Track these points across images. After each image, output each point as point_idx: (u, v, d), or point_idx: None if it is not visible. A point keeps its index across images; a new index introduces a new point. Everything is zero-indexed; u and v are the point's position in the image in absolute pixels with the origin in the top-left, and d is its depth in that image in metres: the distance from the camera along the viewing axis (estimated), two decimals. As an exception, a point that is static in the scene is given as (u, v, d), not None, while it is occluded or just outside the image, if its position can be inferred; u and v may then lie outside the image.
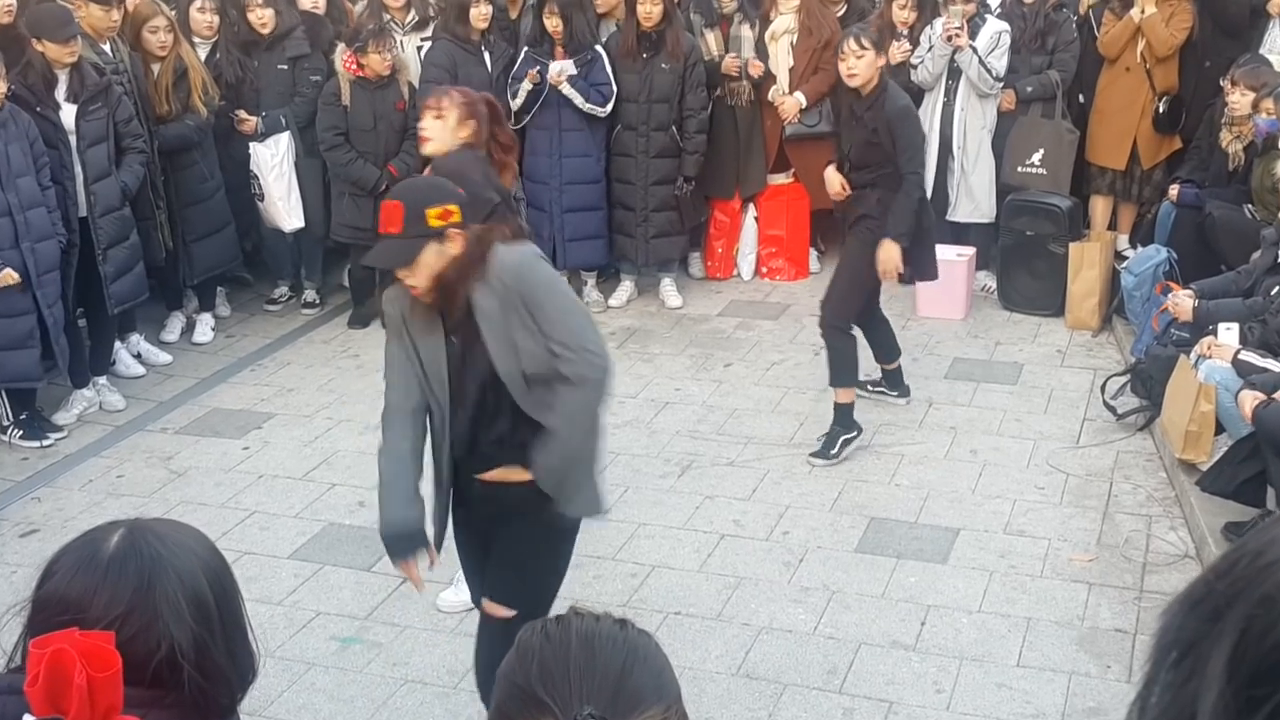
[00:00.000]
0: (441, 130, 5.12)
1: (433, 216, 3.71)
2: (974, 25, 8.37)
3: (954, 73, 8.44)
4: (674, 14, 8.35)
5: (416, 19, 8.69)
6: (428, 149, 5.20)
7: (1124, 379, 7.03)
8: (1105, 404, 6.92)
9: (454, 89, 5.39)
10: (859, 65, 6.25)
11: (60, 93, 7.04)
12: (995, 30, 8.37)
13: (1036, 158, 8.49)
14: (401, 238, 3.72)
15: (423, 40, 8.62)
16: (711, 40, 8.83)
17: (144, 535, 1.95)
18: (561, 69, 8.18)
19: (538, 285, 3.85)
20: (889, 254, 6.38)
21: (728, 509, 6.15)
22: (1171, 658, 1.13)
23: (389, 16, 8.59)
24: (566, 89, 8.24)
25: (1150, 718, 1.14)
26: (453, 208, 3.75)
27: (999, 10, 8.76)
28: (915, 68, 8.48)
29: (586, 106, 8.33)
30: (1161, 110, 8.49)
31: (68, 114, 7.02)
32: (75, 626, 1.77)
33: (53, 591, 1.92)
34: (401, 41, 8.50)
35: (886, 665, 4.93)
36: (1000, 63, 8.36)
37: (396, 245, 3.74)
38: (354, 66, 8.00)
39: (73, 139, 7.03)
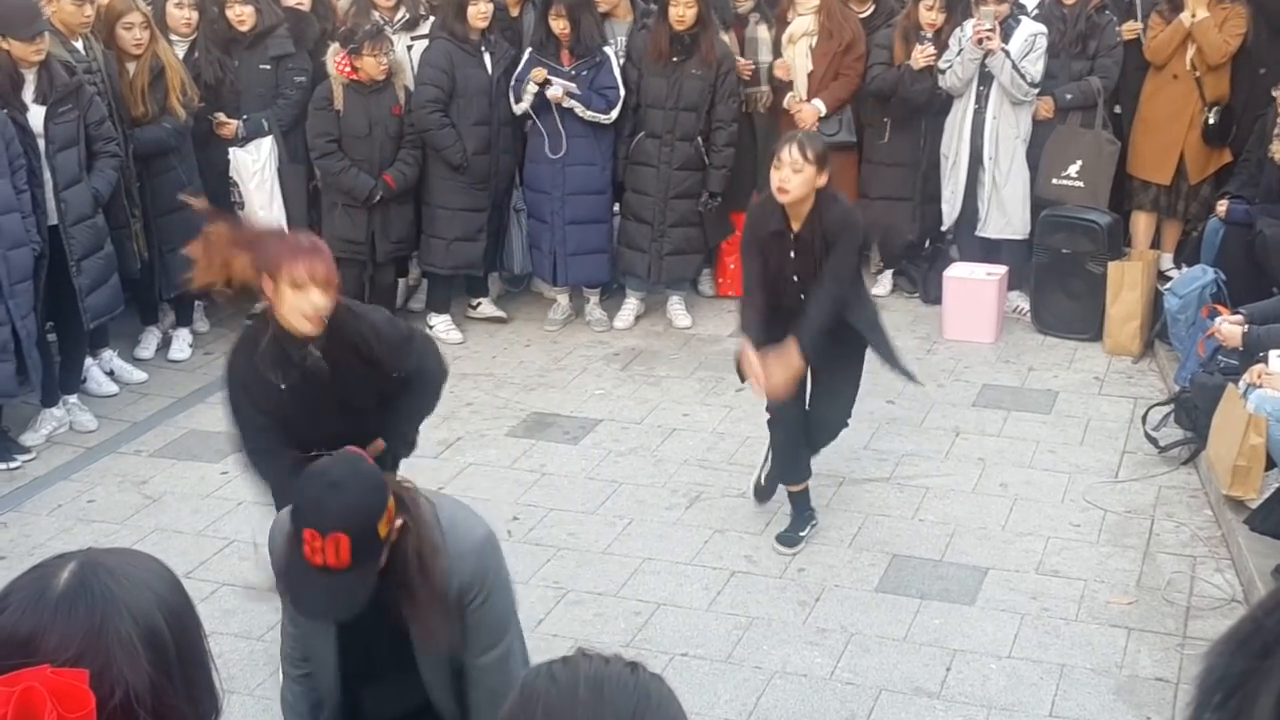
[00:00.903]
0: None
1: (381, 528, 3.14)
2: (1007, 27, 8.39)
3: (985, 78, 8.46)
4: (709, 18, 8.36)
5: (407, 17, 8.73)
6: None
7: (1167, 409, 7.03)
8: (1147, 435, 6.92)
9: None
10: (795, 181, 5.62)
11: (27, 94, 7.05)
12: (1030, 32, 8.39)
13: (1074, 169, 8.51)
14: (352, 572, 3.10)
15: (413, 39, 8.66)
16: (726, 41, 8.85)
17: (95, 570, 1.92)
18: (559, 89, 8.22)
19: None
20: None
21: (739, 544, 6.16)
22: (1216, 699, 1.14)
23: (377, 14, 8.62)
24: (568, 101, 8.30)
25: None
26: (391, 502, 3.19)
27: (1036, 11, 8.78)
28: (944, 72, 8.50)
29: (589, 115, 8.37)
30: (1211, 121, 8.49)
31: (35, 116, 7.04)
32: (23, 669, 1.75)
33: (0, 629, 1.89)
34: (392, 40, 8.53)
35: (909, 714, 4.93)
36: (1035, 67, 8.37)
37: (349, 584, 3.12)
38: (347, 69, 8.03)
39: (41, 143, 7.05)
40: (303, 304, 4.29)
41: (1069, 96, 8.57)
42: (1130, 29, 8.71)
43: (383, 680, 3.54)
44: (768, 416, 6.16)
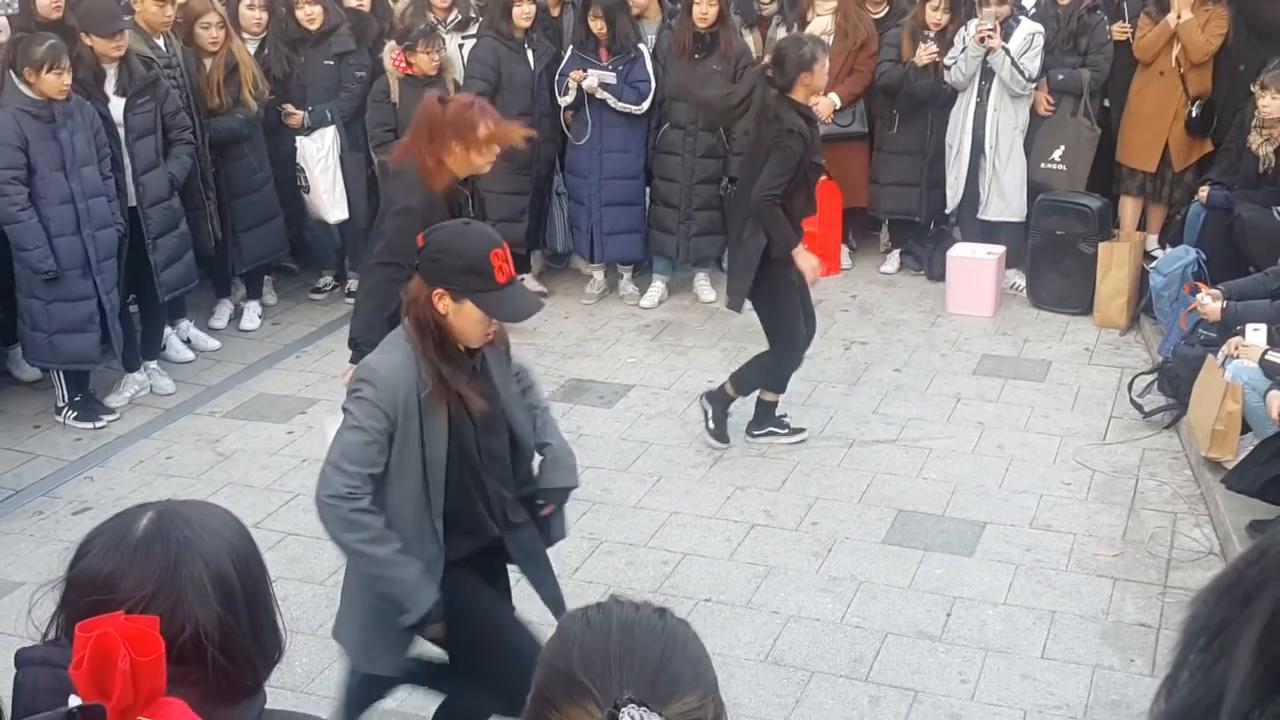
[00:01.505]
0: None
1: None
2: (1008, 27, 8.33)
3: (987, 73, 8.40)
4: (728, 15, 8.32)
5: (459, 18, 8.71)
6: None
7: (1151, 377, 6.98)
8: (1132, 402, 6.88)
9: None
10: None
11: (109, 86, 7.07)
12: (1029, 31, 8.32)
13: (1057, 154, 8.45)
14: (518, 277, 3.66)
15: (464, 39, 8.64)
16: (751, 42, 8.82)
17: (172, 519, 1.95)
18: (594, 80, 8.18)
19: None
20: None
21: (758, 499, 6.15)
22: (1200, 642, 1.14)
23: (432, 15, 8.60)
24: (600, 93, 8.25)
25: (1178, 699, 1.14)
26: None
27: (1034, 10, 8.70)
28: (949, 68, 8.44)
29: (621, 106, 8.33)
30: (1194, 114, 8.41)
31: (116, 107, 7.06)
32: (104, 606, 1.77)
33: (84, 571, 1.92)
34: (444, 39, 8.51)
35: (912, 655, 4.92)
36: (1033, 64, 8.31)
37: (524, 288, 3.71)
38: (403, 64, 8.01)
39: (121, 131, 7.07)
40: (489, 155, 4.91)
41: (1060, 77, 8.46)
42: (1120, 29, 8.62)
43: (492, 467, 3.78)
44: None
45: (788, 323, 6.42)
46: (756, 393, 6.64)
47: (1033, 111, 8.57)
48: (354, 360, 5.01)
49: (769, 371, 6.54)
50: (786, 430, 6.67)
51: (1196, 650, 1.13)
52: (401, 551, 3.63)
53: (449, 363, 3.61)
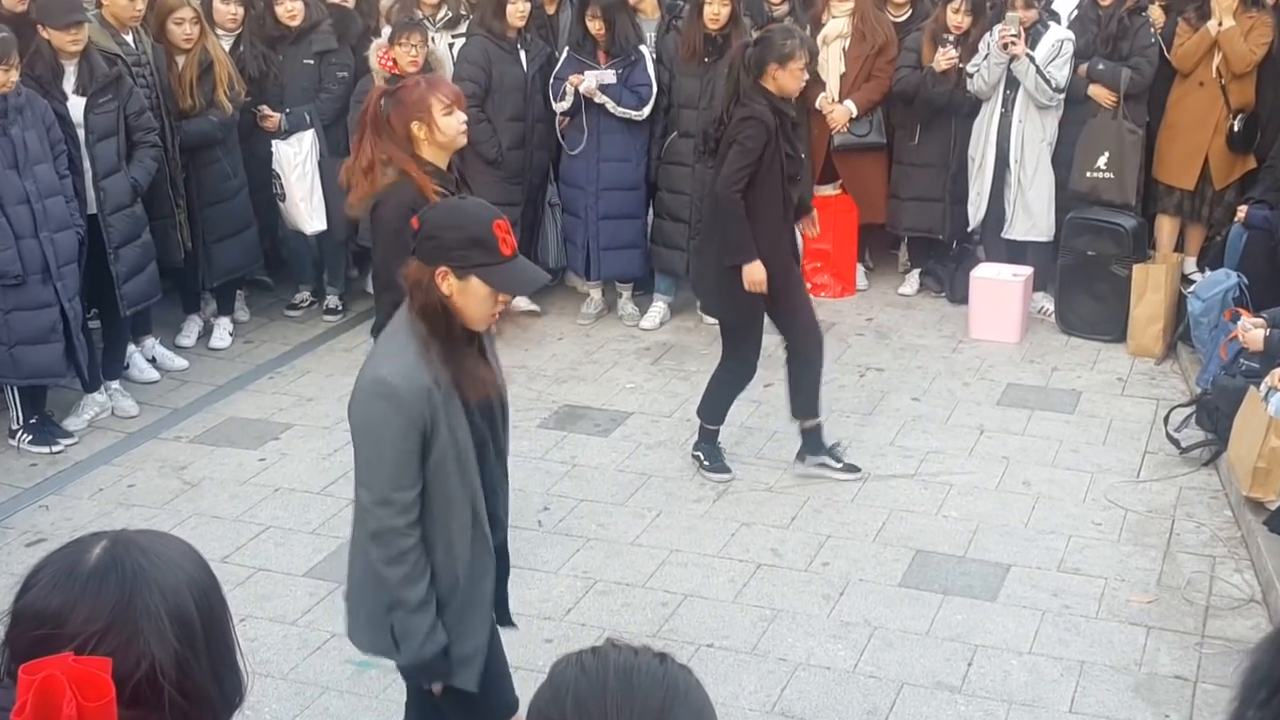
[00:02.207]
0: None
1: None
2: (1035, 33, 8.34)
3: (1012, 82, 8.41)
4: (740, 16, 8.33)
5: (449, 16, 8.73)
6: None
7: (1189, 410, 6.97)
8: (1168, 436, 6.87)
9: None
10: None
11: (68, 84, 7.07)
12: (1057, 38, 8.33)
13: (1102, 161, 8.42)
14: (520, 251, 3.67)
15: (454, 38, 8.66)
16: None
17: (127, 548, 1.94)
18: (591, 81, 8.20)
19: None
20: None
21: (765, 537, 6.13)
22: (1261, 696, 1.12)
23: (420, 12, 8.62)
24: (599, 97, 8.27)
25: None
26: None
27: (1074, 12, 8.72)
28: (971, 76, 8.45)
29: (620, 111, 8.34)
30: (1236, 128, 8.42)
31: (75, 106, 7.06)
32: (51, 641, 1.77)
33: (31, 604, 1.91)
34: (433, 38, 8.53)
35: (930, 708, 4.90)
36: (1061, 73, 8.32)
37: (526, 261, 3.71)
38: (389, 63, 8.02)
39: (81, 133, 7.07)
40: (456, 122, 4.94)
41: (1100, 67, 8.44)
42: (1156, 12, 8.60)
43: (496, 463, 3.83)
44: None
45: (743, 337, 6.50)
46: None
47: (1065, 120, 8.56)
48: None
49: (722, 385, 6.65)
50: (840, 464, 6.67)
51: (1255, 705, 1.12)
52: (428, 593, 3.65)
53: (458, 350, 3.60)
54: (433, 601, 3.65)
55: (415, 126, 4.90)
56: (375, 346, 3.76)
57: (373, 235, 5.09)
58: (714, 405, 6.73)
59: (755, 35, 6.51)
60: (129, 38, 7.57)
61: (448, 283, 3.52)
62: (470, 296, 3.54)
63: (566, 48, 8.52)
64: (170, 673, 1.87)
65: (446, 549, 3.66)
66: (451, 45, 8.66)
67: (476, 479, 3.68)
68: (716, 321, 6.84)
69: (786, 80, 6.20)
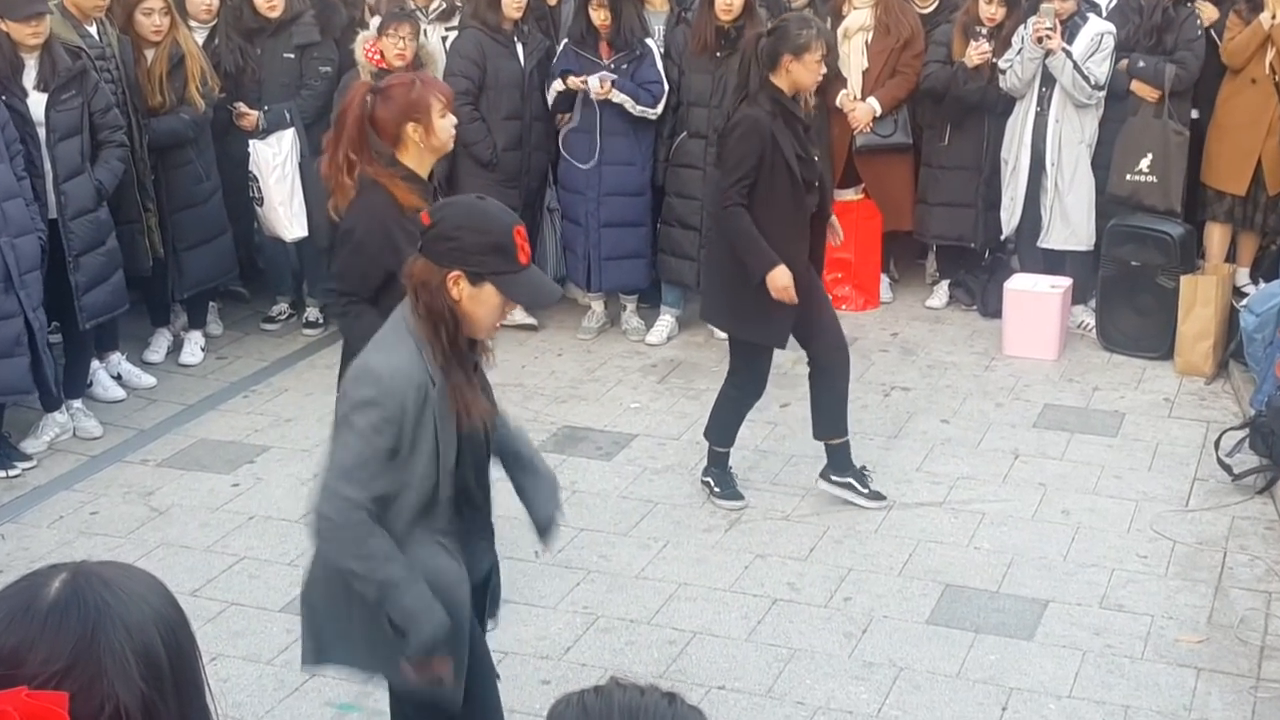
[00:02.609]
0: None
1: None
2: (1072, 25, 8.35)
3: (1048, 79, 8.41)
4: (754, 8, 8.33)
5: (443, 7, 8.74)
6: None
7: (1241, 434, 6.96)
8: (1219, 462, 6.85)
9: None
10: None
11: (28, 79, 7.07)
12: (1097, 31, 8.33)
13: (1145, 163, 8.41)
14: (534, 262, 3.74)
15: (448, 30, 8.67)
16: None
17: (89, 581, 1.92)
18: (597, 82, 8.19)
19: None
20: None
21: (781, 570, 6.12)
22: None
23: (413, 4, 8.63)
24: (617, 96, 8.25)
25: None
26: None
27: (1113, 2, 8.71)
28: (1004, 72, 8.45)
29: (638, 110, 8.34)
30: (1292, 128, 8.42)
31: (36, 103, 7.05)
32: (8, 682, 1.75)
33: None
34: (426, 31, 8.54)
35: (961, 756, 4.88)
36: (1101, 69, 8.31)
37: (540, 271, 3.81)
38: (377, 56, 8.02)
39: (41, 131, 7.06)
40: (449, 125, 5.01)
41: (1141, 64, 8.43)
42: (1209, 11, 8.58)
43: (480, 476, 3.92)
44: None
45: (756, 352, 6.51)
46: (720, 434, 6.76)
47: (1106, 120, 8.55)
48: None
49: (729, 406, 6.65)
50: (865, 490, 6.65)
51: None
52: (409, 569, 3.66)
53: (457, 359, 3.65)
54: (417, 570, 3.66)
55: (410, 128, 4.92)
56: (372, 340, 3.76)
57: (337, 238, 5.14)
58: (722, 426, 6.72)
59: (769, 25, 6.49)
60: (92, 29, 7.58)
61: (459, 287, 3.56)
62: (481, 304, 3.60)
63: (565, 40, 8.51)
64: (136, 715, 1.85)
65: (411, 556, 3.69)
66: (445, 39, 8.68)
67: (453, 505, 3.74)
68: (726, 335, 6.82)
69: (801, 74, 6.17)
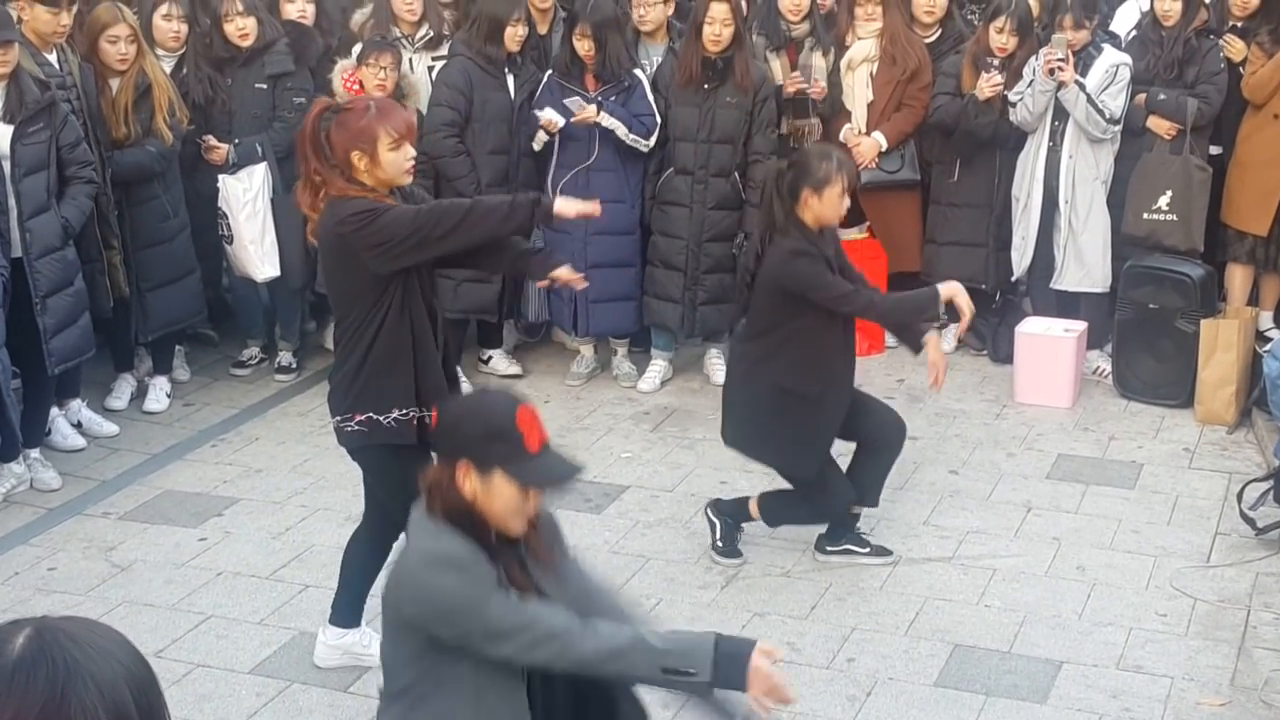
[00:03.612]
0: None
1: None
2: (1086, 56, 8.41)
3: (1060, 113, 8.47)
4: (744, 38, 8.39)
5: (430, 35, 8.77)
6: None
7: (1265, 485, 6.99)
8: (1242, 515, 6.88)
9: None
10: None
11: None
12: (1112, 63, 8.40)
13: (1164, 201, 8.45)
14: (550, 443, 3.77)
15: (434, 60, 8.70)
16: (776, 66, 8.87)
17: (55, 637, 1.92)
18: (583, 109, 8.22)
19: None
20: None
21: (781, 629, 6.13)
22: None
23: (397, 30, 8.68)
24: (606, 120, 8.28)
25: None
26: None
27: (1133, 33, 8.78)
28: (1014, 105, 8.51)
29: (630, 139, 8.37)
30: (1316, 166, 8.48)
31: (1, 136, 7.08)
32: None
33: None
34: (411, 60, 8.58)
35: (972, 826, 4.89)
36: (1116, 102, 8.38)
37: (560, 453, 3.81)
38: (356, 87, 8.06)
39: (6, 165, 7.09)
40: (402, 159, 5.14)
41: (1161, 97, 8.50)
42: (1236, 48, 8.65)
43: None
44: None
45: (828, 474, 6.50)
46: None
47: (1122, 156, 8.61)
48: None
49: (803, 510, 6.61)
50: (866, 549, 6.70)
51: None
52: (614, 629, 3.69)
53: (501, 552, 3.67)
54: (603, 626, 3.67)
55: (355, 156, 5.09)
56: (407, 536, 3.82)
57: (319, 251, 5.35)
58: (779, 516, 6.70)
59: (789, 160, 6.54)
60: (52, 56, 7.59)
61: (470, 480, 3.61)
62: (496, 495, 3.62)
63: (549, 72, 8.55)
64: None
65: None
66: (431, 69, 8.69)
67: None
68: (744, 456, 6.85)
69: (824, 210, 6.20)
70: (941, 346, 9.16)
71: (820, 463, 6.44)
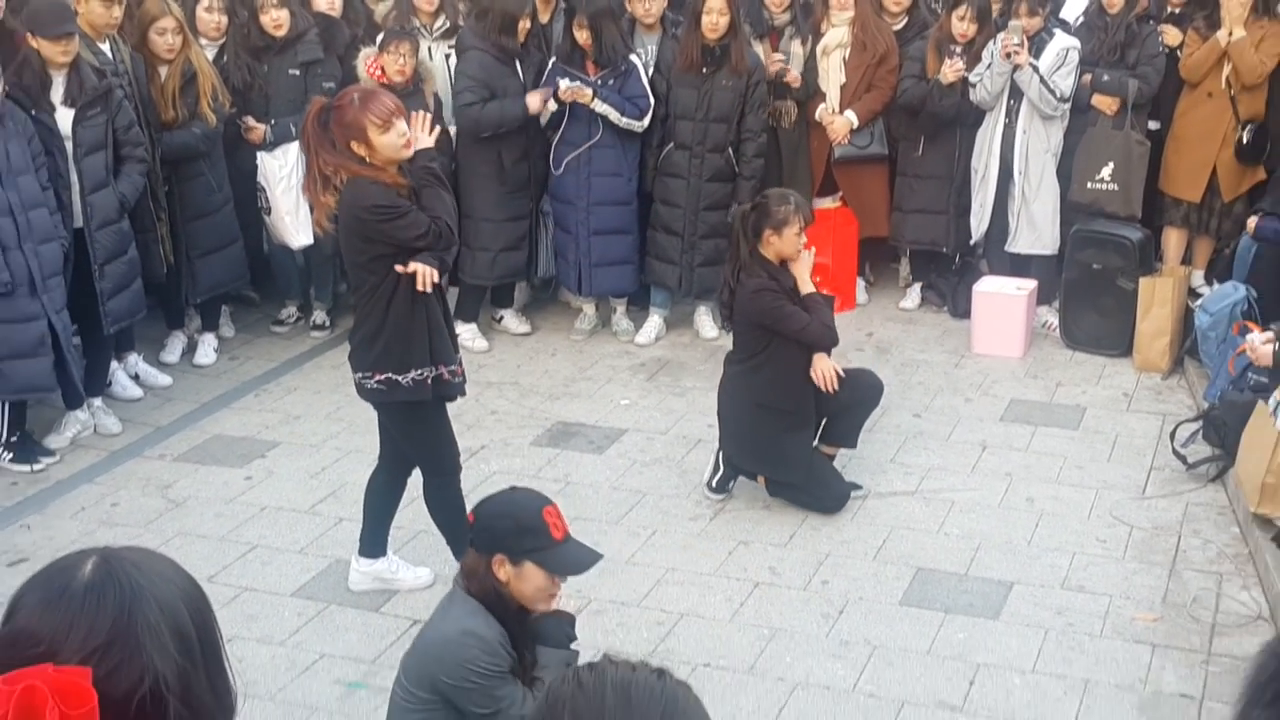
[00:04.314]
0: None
1: None
2: (1039, 41, 8.42)
3: (1015, 92, 8.49)
4: (739, 26, 8.41)
5: (446, 25, 8.78)
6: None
7: (1195, 426, 7.04)
8: (1174, 452, 6.93)
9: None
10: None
11: (56, 95, 7.12)
12: (1062, 46, 8.41)
13: (1106, 172, 8.48)
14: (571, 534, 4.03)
15: (450, 48, 8.72)
16: (761, 53, 8.89)
17: (120, 563, 1.96)
18: (571, 89, 8.25)
19: None
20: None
21: (763, 555, 6.20)
22: (1266, 696, 1.17)
23: (417, 21, 8.70)
24: (600, 106, 8.33)
25: None
26: None
27: (1081, 19, 8.80)
28: (974, 86, 8.54)
29: (624, 122, 8.40)
30: (1245, 140, 8.46)
31: (64, 118, 7.11)
32: (50, 662, 1.78)
33: (24, 626, 1.91)
34: (429, 49, 8.60)
35: (931, 726, 4.97)
36: (1066, 82, 8.39)
37: (580, 543, 4.06)
38: (378, 72, 8.08)
39: (68, 145, 7.13)
40: (394, 138, 5.18)
41: (1105, 78, 8.51)
42: (1172, 34, 8.67)
43: None
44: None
45: (817, 474, 6.61)
46: None
47: (1071, 131, 8.65)
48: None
49: (804, 499, 6.64)
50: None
51: (1262, 705, 1.16)
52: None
53: (521, 630, 4.01)
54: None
55: (354, 145, 5.22)
56: (443, 609, 4.08)
57: (339, 226, 5.39)
58: (780, 491, 6.70)
59: (752, 203, 6.67)
60: (105, 46, 7.61)
61: (504, 570, 3.90)
62: (527, 582, 3.94)
63: (553, 59, 8.58)
64: (175, 686, 1.89)
65: None
66: (448, 56, 8.70)
67: None
68: (726, 329, 7.03)
69: (783, 246, 6.37)
70: (904, 304, 9.32)
71: (804, 468, 6.54)
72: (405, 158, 5.30)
